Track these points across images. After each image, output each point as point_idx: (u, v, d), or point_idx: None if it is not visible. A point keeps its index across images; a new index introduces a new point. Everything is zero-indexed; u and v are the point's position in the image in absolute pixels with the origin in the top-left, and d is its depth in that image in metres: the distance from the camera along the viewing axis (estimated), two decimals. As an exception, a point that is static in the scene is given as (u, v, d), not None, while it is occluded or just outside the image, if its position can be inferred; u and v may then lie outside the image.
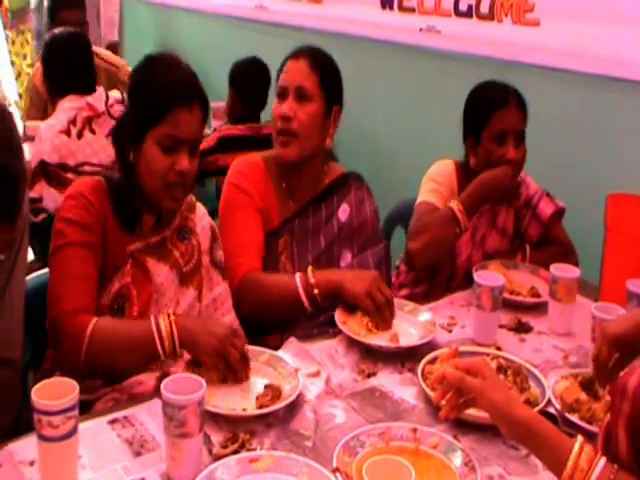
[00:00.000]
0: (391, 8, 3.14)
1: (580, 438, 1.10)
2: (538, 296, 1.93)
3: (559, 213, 2.15)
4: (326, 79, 1.87)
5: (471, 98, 2.13)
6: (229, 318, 1.73)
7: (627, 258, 1.80)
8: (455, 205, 1.94)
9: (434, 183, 2.11)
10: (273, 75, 3.18)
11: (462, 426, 1.36)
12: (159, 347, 1.40)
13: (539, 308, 1.89)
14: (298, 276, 1.73)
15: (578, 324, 1.80)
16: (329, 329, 1.74)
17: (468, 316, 1.84)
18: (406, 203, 2.44)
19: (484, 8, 2.75)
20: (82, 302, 1.46)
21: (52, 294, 1.49)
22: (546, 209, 2.14)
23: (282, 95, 1.87)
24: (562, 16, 2.45)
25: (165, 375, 1.45)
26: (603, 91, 2.43)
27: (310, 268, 1.75)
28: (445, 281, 2.14)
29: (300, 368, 1.49)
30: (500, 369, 1.49)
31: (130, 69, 3.58)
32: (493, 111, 2.01)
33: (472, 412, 1.27)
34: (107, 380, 1.51)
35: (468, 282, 2.07)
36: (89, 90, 2.74)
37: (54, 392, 1.11)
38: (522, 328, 1.80)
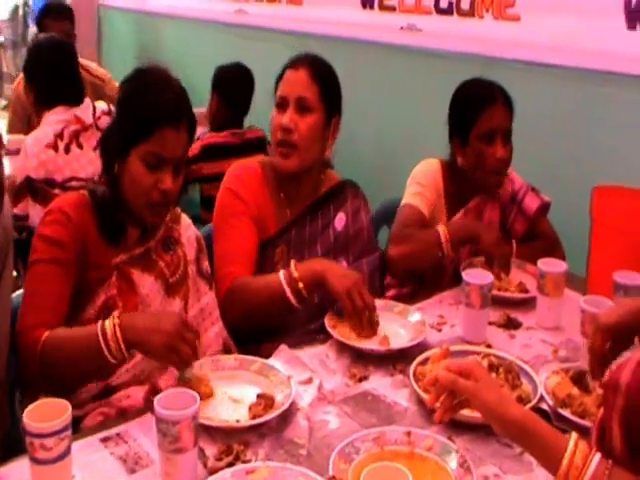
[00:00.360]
0: (371, 7, 3.15)
1: (574, 435, 1.10)
2: (526, 291, 1.94)
3: (545, 207, 2.16)
4: (326, 90, 1.85)
5: (457, 97, 2.12)
6: (217, 327, 1.73)
7: (613, 250, 1.81)
8: (442, 230, 1.94)
9: (419, 186, 2.11)
10: (256, 79, 3.21)
11: (456, 427, 1.36)
12: (105, 351, 1.36)
13: (527, 303, 1.90)
14: (282, 273, 1.71)
15: (566, 317, 1.80)
16: (320, 336, 1.73)
17: (457, 314, 1.84)
18: (391, 203, 2.43)
19: (465, 4, 2.76)
20: (42, 317, 1.44)
21: (20, 309, 1.49)
22: (532, 204, 2.15)
23: (282, 105, 1.84)
24: (542, 10, 2.47)
25: (154, 388, 1.45)
26: (587, 84, 2.44)
27: (293, 262, 1.73)
28: (433, 280, 2.14)
29: (292, 376, 1.48)
30: (491, 367, 1.49)
31: (116, 83, 3.55)
32: (481, 110, 2.00)
33: (465, 412, 1.27)
34: (96, 395, 1.50)
35: (456, 280, 2.08)
36: (77, 100, 2.66)
37: (46, 413, 1.10)
38: (511, 324, 1.80)
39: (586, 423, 1.35)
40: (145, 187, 1.51)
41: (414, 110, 3.07)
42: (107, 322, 1.37)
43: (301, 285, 1.69)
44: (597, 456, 1.06)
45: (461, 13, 2.77)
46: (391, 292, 2.18)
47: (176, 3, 4.65)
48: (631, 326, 1.37)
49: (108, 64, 4.84)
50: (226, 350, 1.71)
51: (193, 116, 1.57)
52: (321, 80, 1.84)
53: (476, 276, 1.73)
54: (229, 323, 1.74)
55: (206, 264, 1.75)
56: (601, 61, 2.30)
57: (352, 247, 1.94)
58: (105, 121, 2.57)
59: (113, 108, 2.12)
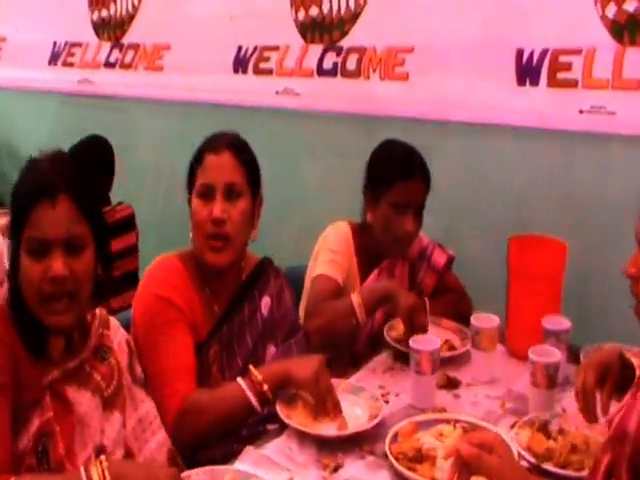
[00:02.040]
0: (245, 72, 3.06)
1: (593, 494, 1.13)
2: (454, 348, 1.96)
3: (450, 261, 2.23)
4: (251, 171, 1.74)
5: (377, 156, 2.10)
6: (159, 437, 1.55)
7: (532, 298, 1.88)
8: (355, 298, 1.92)
9: (330, 253, 2.08)
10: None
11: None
12: None
13: (458, 360, 1.92)
14: (241, 380, 1.61)
15: (496, 369, 1.86)
16: (260, 427, 1.65)
17: (396, 382, 1.82)
18: (291, 271, 2.39)
19: (351, 65, 2.74)
20: None
21: None
22: (439, 259, 2.21)
23: (207, 195, 1.69)
24: (432, 68, 2.52)
25: None
26: (479, 138, 2.53)
27: (251, 367, 1.63)
28: (348, 346, 2.12)
29: (274, 480, 1.38)
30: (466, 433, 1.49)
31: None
32: (397, 181, 2.00)
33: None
34: None
35: (372, 343, 2.08)
36: None
37: None
38: (451, 383, 1.81)
39: (569, 473, 1.39)
40: (35, 280, 1.31)
41: (300, 174, 3.03)
42: (93, 470, 1.19)
43: (266, 387, 1.59)
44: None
45: (346, 74, 2.75)
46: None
47: (5, 74, 4.23)
48: (610, 364, 1.44)
49: None
50: (172, 460, 1.56)
51: (79, 186, 1.36)
52: (245, 162, 1.73)
53: (423, 342, 1.72)
54: (184, 444, 1.57)
55: (139, 369, 1.58)
56: (492, 115, 2.41)
57: (279, 331, 1.86)
58: None
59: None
